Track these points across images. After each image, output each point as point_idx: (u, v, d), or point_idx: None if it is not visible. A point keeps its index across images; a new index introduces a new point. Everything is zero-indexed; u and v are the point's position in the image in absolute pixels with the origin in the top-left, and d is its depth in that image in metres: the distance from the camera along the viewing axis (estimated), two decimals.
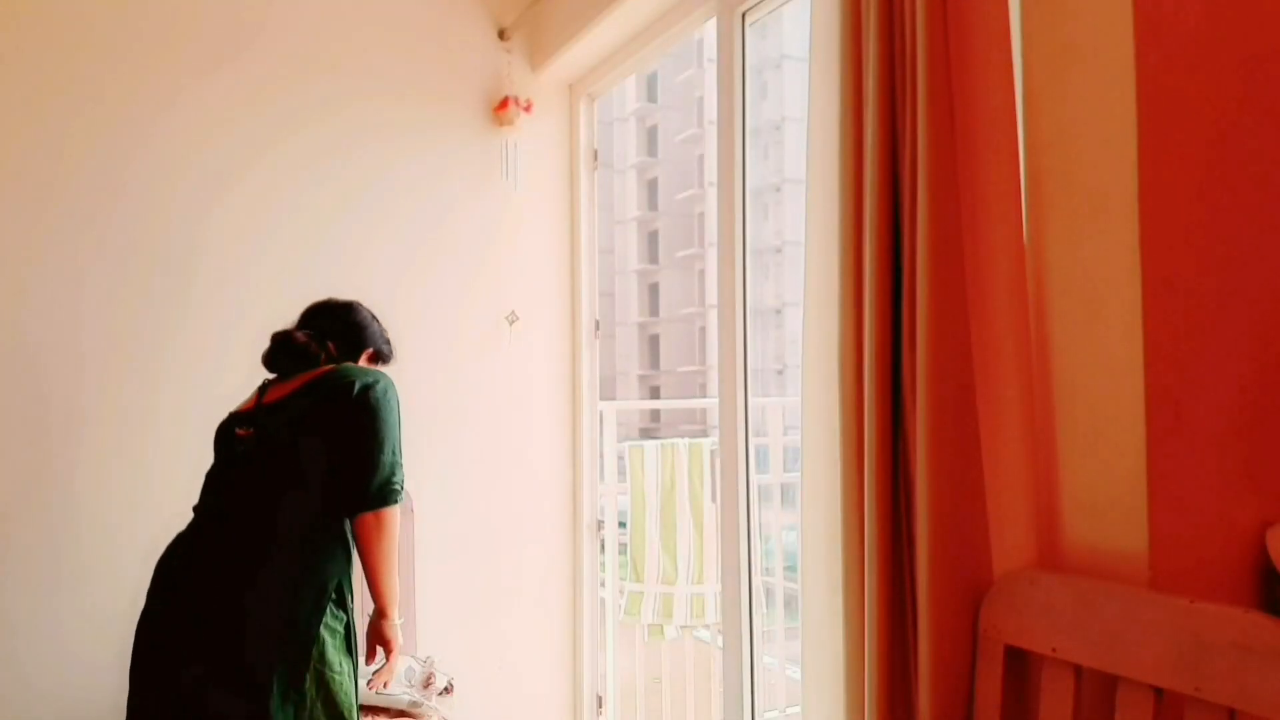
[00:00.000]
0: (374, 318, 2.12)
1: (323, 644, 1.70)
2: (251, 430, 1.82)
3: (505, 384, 2.90)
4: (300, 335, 1.95)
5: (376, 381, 1.83)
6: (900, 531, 1.41)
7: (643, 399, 27.60)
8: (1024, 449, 1.35)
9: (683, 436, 3.31)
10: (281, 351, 1.93)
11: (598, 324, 3.03)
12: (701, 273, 28.53)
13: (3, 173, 2.28)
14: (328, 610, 1.72)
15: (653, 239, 30.39)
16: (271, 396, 1.89)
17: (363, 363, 2.03)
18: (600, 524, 3.03)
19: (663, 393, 29.27)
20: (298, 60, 2.63)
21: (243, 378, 2.60)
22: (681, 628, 3.13)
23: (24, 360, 2.30)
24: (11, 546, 2.26)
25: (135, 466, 2.40)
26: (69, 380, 2.34)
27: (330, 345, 1.97)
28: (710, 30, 2.35)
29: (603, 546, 3.06)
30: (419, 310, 2.78)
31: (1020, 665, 1.30)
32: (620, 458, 3.21)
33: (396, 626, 1.85)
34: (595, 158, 3.07)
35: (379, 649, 1.86)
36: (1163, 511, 1.21)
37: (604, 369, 3.11)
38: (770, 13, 2.19)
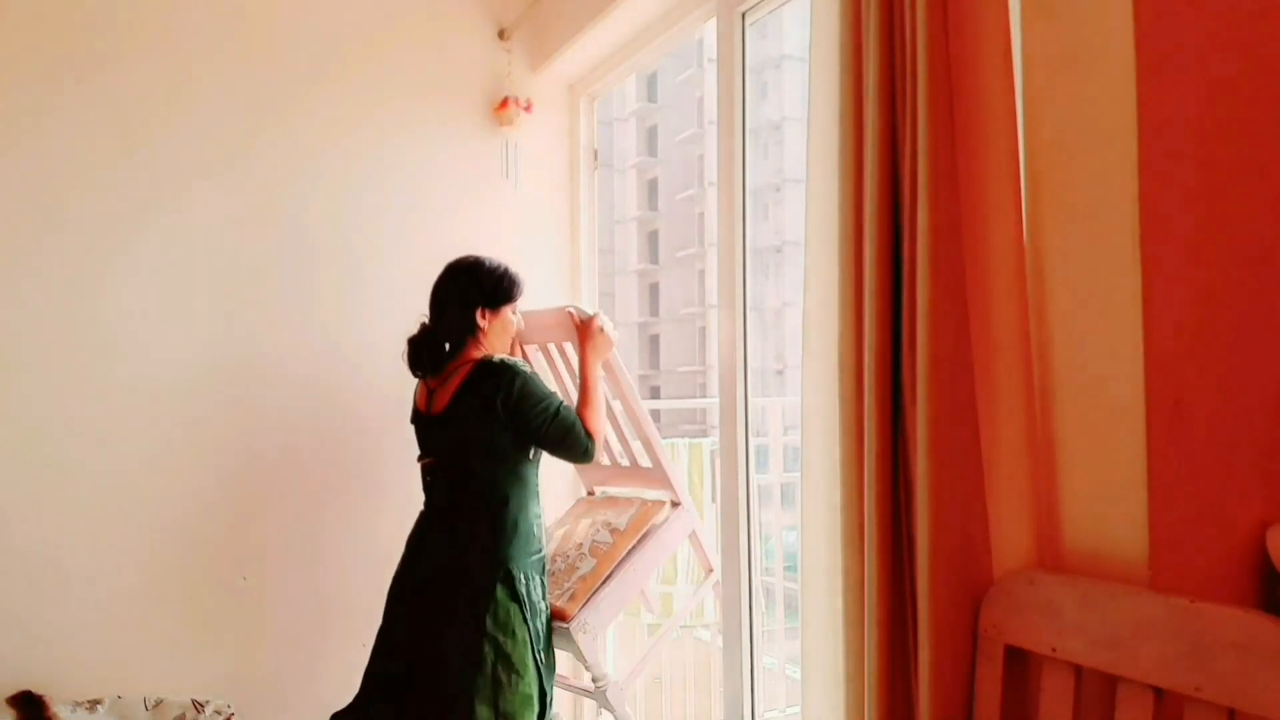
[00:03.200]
0: (475, 268, 2.15)
1: (507, 608, 2.00)
2: (432, 459, 2.14)
3: None
4: (414, 340, 2.15)
5: (511, 372, 2.03)
6: (900, 531, 1.41)
7: (643, 399, 27.51)
8: (1024, 449, 1.35)
9: (683, 436, 3.31)
10: (414, 358, 2.14)
11: None
12: (701, 273, 28.51)
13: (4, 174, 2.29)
14: (518, 580, 2.02)
15: (653, 239, 30.38)
16: (437, 405, 2.11)
17: (483, 323, 2.12)
18: None
19: (663, 393, 29.26)
20: (297, 60, 2.63)
21: (242, 379, 2.60)
22: (681, 628, 3.13)
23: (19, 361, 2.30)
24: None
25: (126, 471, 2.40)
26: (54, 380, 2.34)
27: (447, 320, 2.13)
28: (710, 30, 2.35)
29: None
30: (419, 310, 2.78)
31: (1020, 665, 1.30)
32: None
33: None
34: (595, 158, 3.07)
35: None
36: (1163, 511, 1.21)
37: None
38: (770, 13, 2.19)
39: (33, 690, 2.16)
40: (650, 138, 30.29)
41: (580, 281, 3.02)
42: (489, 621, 1.97)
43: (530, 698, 1.98)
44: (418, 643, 2.03)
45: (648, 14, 2.54)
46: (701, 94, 28.26)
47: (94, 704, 2.19)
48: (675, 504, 2.37)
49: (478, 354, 2.11)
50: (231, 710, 2.37)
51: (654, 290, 30.35)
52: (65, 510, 2.32)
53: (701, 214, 28.37)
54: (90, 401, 2.36)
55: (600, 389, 2.18)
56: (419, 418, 2.18)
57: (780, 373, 23.59)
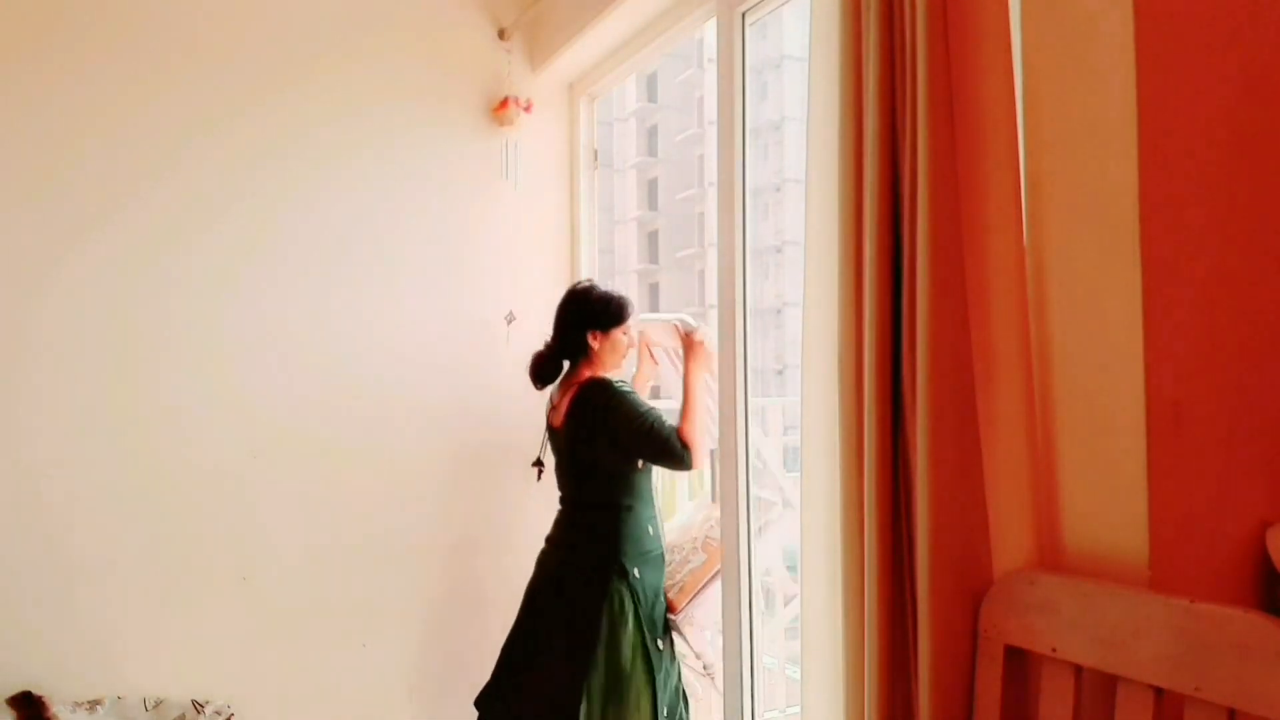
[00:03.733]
0: (585, 294, 2.39)
1: (621, 602, 2.22)
2: (556, 467, 2.44)
3: (504, 385, 2.89)
4: (536, 356, 2.42)
5: (608, 394, 2.28)
6: (900, 531, 1.41)
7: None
8: (1024, 449, 1.35)
9: None
10: (534, 373, 2.42)
11: None
12: (701, 273, 28.48)
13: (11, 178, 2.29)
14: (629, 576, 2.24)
15: (653, 239, 30.36)
16: (556, 420, 2.39)
17: (595, 344, 2.35)
18: None
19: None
20: (296, 61, 2.62)
21: (235, 380, 2.60)
22: None
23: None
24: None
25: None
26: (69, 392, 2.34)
27: (563, 340, 2.38)
28: (710, 30, 2.35)
29: None
30: (417, 310, 2.78)
31: (1020, 665, 1.30)
32: None
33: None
34: (595, 158, 3.07)
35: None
36: (1163, 511, 1.21)
37: None
38: (770, 13, 2.19)
39: (33, 690, 2.16)
40: (650, 138, 30.27)
41: None
42: (605, 610, 2.20)
43: (643, 684, 2.18)
44: (537, 634, 2.27)
45: (648, 14, 2.54)
46: (701, 94, 28.22)
47: (94, 704, 2.19)
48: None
49: (589, 372, 2.36)
50: (231, 710, 2.37)
51: (654, 290, 30.33)
52: (65, 510, 2.32)
53: (701, 214, 28.34)
54: (92, 402, 2.36)
55: (700, 399, 2.32)
56: (548, 427, 2.48)
57: (780, 373, 23.57)
